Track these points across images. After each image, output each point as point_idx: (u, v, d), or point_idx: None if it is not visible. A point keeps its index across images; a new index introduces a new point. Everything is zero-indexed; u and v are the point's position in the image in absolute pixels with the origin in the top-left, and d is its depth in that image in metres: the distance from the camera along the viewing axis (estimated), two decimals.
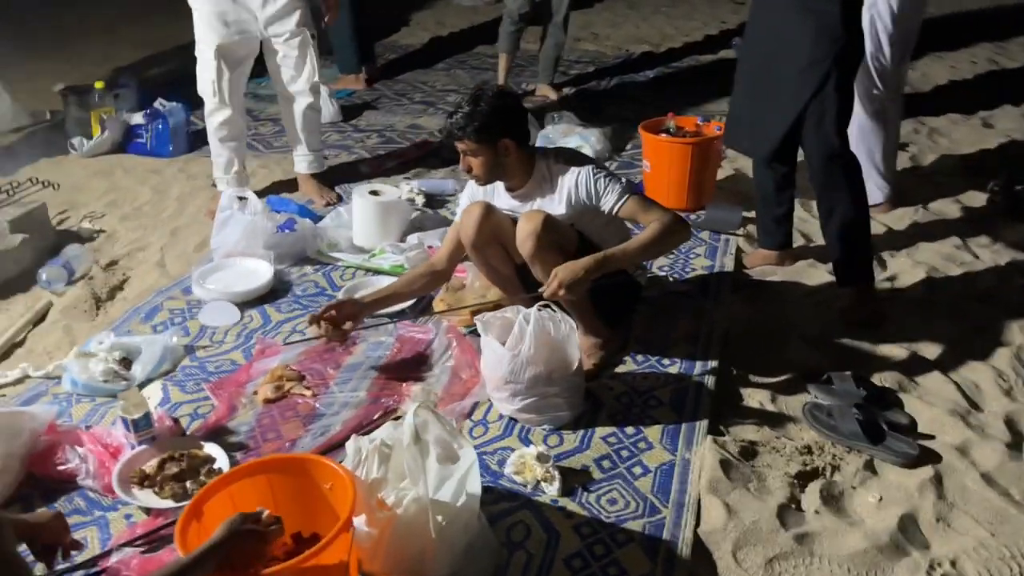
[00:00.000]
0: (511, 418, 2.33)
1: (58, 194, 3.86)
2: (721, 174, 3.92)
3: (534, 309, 2.24)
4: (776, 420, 2.36)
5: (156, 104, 4.49)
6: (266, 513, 1.60)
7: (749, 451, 2.22)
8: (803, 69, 2.61)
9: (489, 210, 2.47)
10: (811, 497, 2.07)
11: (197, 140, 4.43)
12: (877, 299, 2.85)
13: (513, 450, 2.20)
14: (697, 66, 5.89)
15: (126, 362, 2.59)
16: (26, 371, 2.58)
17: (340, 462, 1.81)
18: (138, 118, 4.47)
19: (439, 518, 1.73)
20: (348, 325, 2.47)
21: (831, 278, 2.95)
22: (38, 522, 1.64)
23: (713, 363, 2.57)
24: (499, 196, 2.56)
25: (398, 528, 1.72)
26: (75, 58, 6.08)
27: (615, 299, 2.62)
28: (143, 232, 3.58)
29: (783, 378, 2.53)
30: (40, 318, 2.93)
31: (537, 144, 4.22)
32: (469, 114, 2.34)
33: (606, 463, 2.18)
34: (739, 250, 3.31)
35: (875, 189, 3.40)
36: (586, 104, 5.06)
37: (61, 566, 1.87)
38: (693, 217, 3.58)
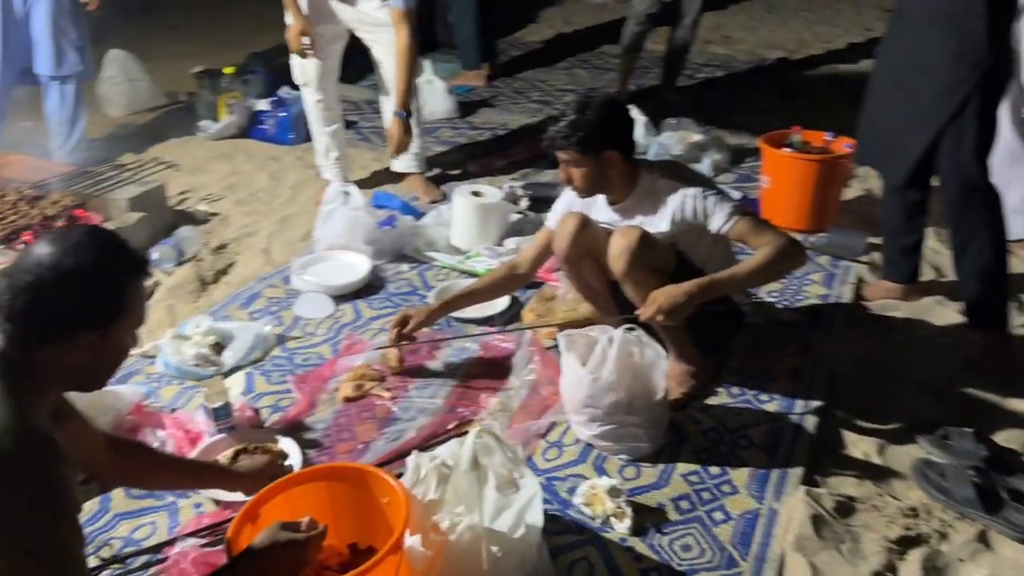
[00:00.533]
0: (588, 443, 2.22)
1: (180, 175, 4.01)
2: (849, 194, 3.65)
3: (619, 331, 2.12)
4: (880, 475, 2.15)
5: (281, 92, 4.60)
6: (306, 521, 1.56)
7: (846, 507, 2.02)
8: (941, 91, 2.36)
9: (585, 223, 2.36)
10: (911, 567, 1.86)
11: None
12: (1011, 348, 2.56)
13: (586, 478, 2.09)
14: (835, 76, 5.54)
15: (218, 347, 2.64)
16: None
17: (401, 475, 1.76)
18: (263, 105, 4.60)
19: (494, 549, 1.65)
20: (420, 332, 2.49)
21: (961, 319, 2.68)
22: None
23: (816, 404, 2.37)
24: (598, 208, 2.44)
25: (450, 555, 1.64)
26: (219, 42, 6.35)
27: (712, 325, 2.45)
28: (255, 218, 3.67)
29: (893, 427, 2.30)
30: (147, 296, 3.03)
31: (652, 150, 4.08)
32: (574, 123, 2.23)
33: (684, 504, 2.04)
34: (860, 280, 3.06)
35: (1019, 223, 3.06)
36: (709, 111, 4.84)
37: (126, 551, 1.91)
38: (813, 239, 3.34)
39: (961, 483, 2.02)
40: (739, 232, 2.25)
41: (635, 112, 4.36)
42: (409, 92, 3.48)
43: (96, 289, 1.33)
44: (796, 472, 2.12)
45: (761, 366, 2.54)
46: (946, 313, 2.81)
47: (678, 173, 2.35)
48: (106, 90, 4.89)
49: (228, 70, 4.72)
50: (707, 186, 2.31)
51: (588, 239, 2.35)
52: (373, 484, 1.75)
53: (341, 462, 2.13)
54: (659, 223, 2.31)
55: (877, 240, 3.12)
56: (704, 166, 3.96)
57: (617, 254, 2.23)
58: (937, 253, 3.13)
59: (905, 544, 1.93)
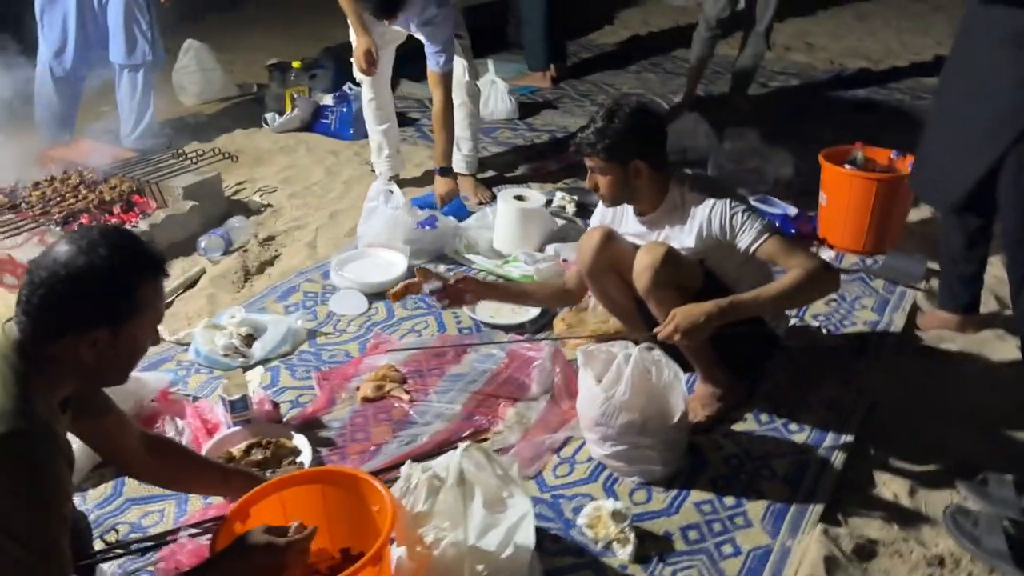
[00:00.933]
0: (601, 463, 2.16)
1: (241, 165, 4.09)
2: (915, 215, 3.47)
3: (637, 349, 2.05)
4: (909, 518, 2.02)
5: (345, 87, 4.65)
6: (294, 526, 1.55)
7: (866, 551, 1.90)
8: (1003, 113, 2.20)
9: (609, 237, 2.30)
10: None
11: None
12: None
13: (594, 499, 2.03)
14: (918, 90, 5.28)
15: (250, 339, 2.67)
16: (162, 334, 2.74)
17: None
18: (328, 99, 4.66)
19: (479, 567, 1.61)
20: (468, 297, 2.42)
21: (1020, 356, 2.50)
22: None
23: (848, 437, 2.25)
24: (627, 220, 2.37)
25: (434, 570, 1.62)
26: (297, 35, 6.47)
27: (744, 346, 2.35)
28: (305, 211, 3.72)
29: (930, 469, 2.16)
30: (191, 283, 3.10)
31: (711, 159, 3.97)
32: (601, 130, 2.17)
33: (693, 534, 1.96)
34: (915, 307, 2.90)
35: None
36: (780, 121, 4.68)
37: (131, 537, 1.95)
38: (869, 262, 3.18)
39: (994, 533, 1.87)
40: (768, 252, 2.15)
41: (697, 119, 4.26)
42: (449, 150, 3.56)
43: (107, 288, 1.34)
44: (816, 509, 2.01)
45: (796, 393, 2.43)
46: (1005, 348, 2.63)
47: (708, 186, 2.26)
48: (180, 79, 5.04)
49: (296, 64, 4.81)
50: (738, 201, 2.21)
51: (612, 254, 2.28)
52: (365, 491, 1.73)
53: (336, 466, 2.12)
54: (686, 238, 2.23)
55: (937, 266, 2.95)
56: (763, 178, 3.83)
57: (641, 271, 2.16)
58: (1003, 283, 2.93)
59: None
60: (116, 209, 3.30)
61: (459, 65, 3.57)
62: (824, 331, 2.75)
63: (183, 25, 5.55)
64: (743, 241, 2.16)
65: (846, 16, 7.10)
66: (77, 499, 1.96)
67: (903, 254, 3.12)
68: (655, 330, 2.10)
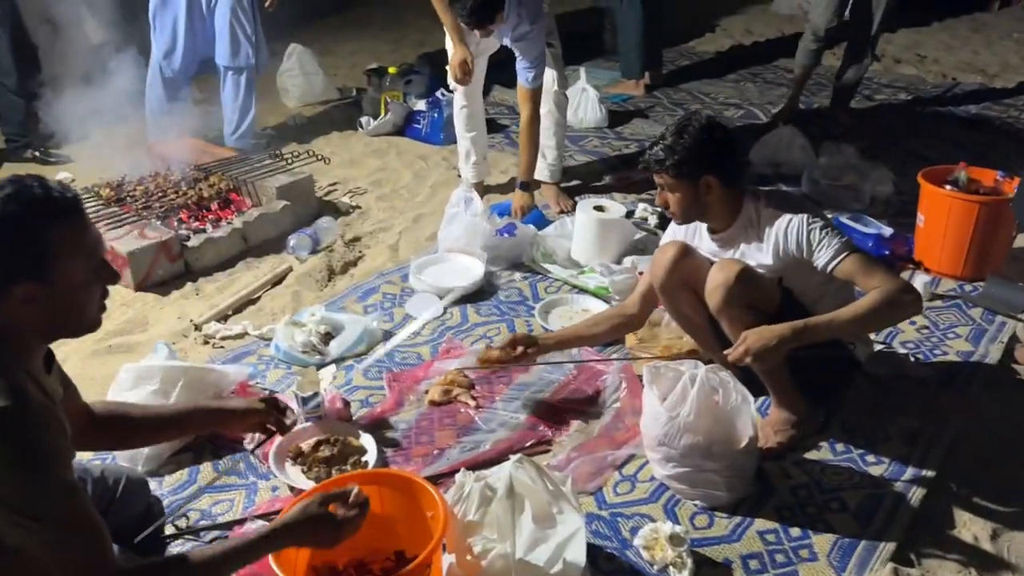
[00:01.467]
0: (662, 483, 2.12)
1: (334, 167, 4.21)
2: (1022, 241, 3.27)
3: (703, 369, 2.00)
4: (988, 563, 1.91)
5: (438, 93, 4.73)
6: (354, 492, 1.56)
7: None
8: None
9: (685, 252, 2.25)
10: None
11: None
12: None
13: (653, 520, 2.00)
14: None
15: (328, 337, 2.75)
16: (246, 328, 2.85)
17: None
18: (421, 105, 4.75)
19: None
20: (530, 352, 2.37)
21: None
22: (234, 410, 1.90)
23: (929, 473, 2.14)
24: (702, 238, 2.33)
25: None
26: (398, 40, 6.62)
27: (823, 371, 2.27)
28: (392, 213, 3.80)
29: (1015, 511, 2.04)
30: (278, 280, 3.21)
31: (806, 175, 3.85)
32: (670, 146, 2.13)
33: (754, 563, 1.90)
34: (1014, 339, 2.73)
35: None
36: (882, 137, 4.50)
37: (200, 524, 2.03)
38: (968, 288, 3.02)
39: None
40: (847, 271, 2.07)
41: (792, 132, 4.14)
42: (532, 164, 3.58)
43: (11, 241, 1.28)
44: (888, 547, 1.92)
45: (875, 423, 2.33)
46: None
47: (785, 202, 2.19)
48: (284, 82, 5.23)
49: (392, 70, 4.92)
50: (816, 217, 2.13)
51: (686, 269, 2.24)
52: (420, 496, 1.75)
53: (394, 469, 2.15)
54: (762, 256, 2.17)
55: None
56: (860, 196, 3.68)
57: (713, 288, 2.11)
58: None
59: None
60: (214, 206, 3.45)
61: (548, 74, 3.57)
62: (912, 359, 2.62)
63: (289, 29, 5.77)
64: (821, 259, 2.09)
65: (961, 28, 6.77)
66: (153, 484, 2.05)
67: (1005, 282, 2.95)
68: (725, 351, 2.05)
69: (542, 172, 3.76)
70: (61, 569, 1.29)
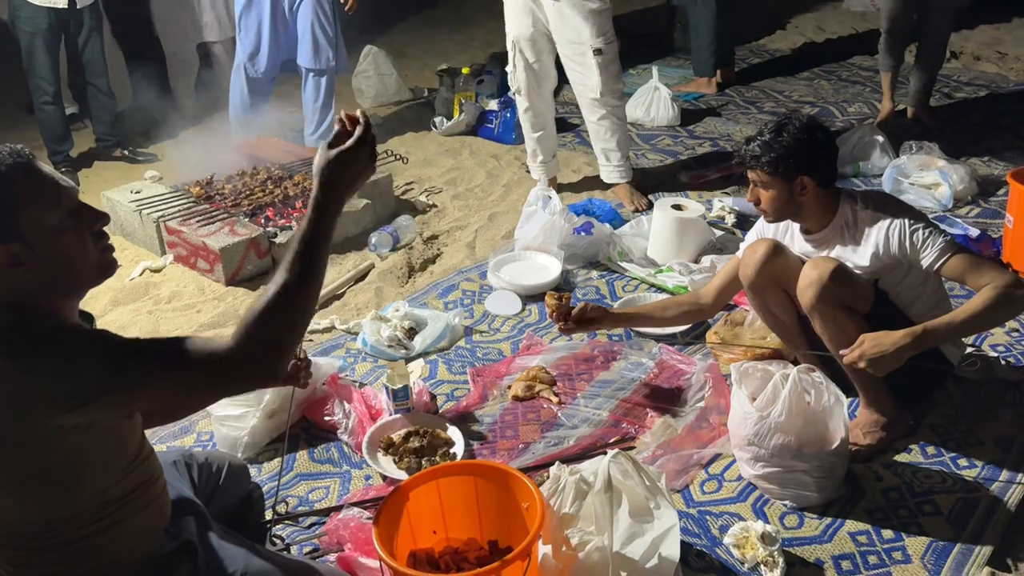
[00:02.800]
0: (750, 483, 2.12)
1: (410, 167, 4.29)
2: None
3: (794, 370, 2.00)
4: None
5: (510, 93, 4.76)
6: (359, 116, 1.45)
7: None
8: None
9: (777, 249, 2.24)
10: None
11: None
12: None
13: (742, 519, 2.00)
14: None
15: (412, 332, 2.81)
16: (333, 323, 2.93)
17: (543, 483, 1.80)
18: (493, 104, 4.80)
19: (622, 574, 1.64)
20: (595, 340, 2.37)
21: None
22: None
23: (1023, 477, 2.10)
24: (794, 238, 2.32)
25: (578, 573, 1.65)
26: (469, 41, 6.69)
27: (914, 374, 2.23)
28: (467, 212, 3.85)
29: None
30: (361, 276, 3.30)
31: (887, 175, 3.78)
32: (768, 143, 2.13)
33: (846, 564, 1.89)
34: None
35: None
36: (964, 136, 4.39)
37: (299, 510, 2.10)
38: None
39: None
40: (955, 270, 2.04)
41: (872, 130, 4.08)
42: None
43: None
44: (984, 551, 1.89)
45: (967, 427, 2.29)
46: None
47: (884, 203, 2.17)
48: (359, 83, 5.33)
49: (465, 70, 4.98)
50: (917, 219, 2.11)
51: (778, 267, 2.23)
52: (515, 487, 1.79)
53: (489, 460, 2.20)
54: (859, 258, 2.15)
55: None
56: (944, 196, 3.61)
57: (806, 286, 2.10)
58: None
59: None
60: (299, 204, 3.55)
61: (594, 79, 3.53)
62: (1003, 362, 2.57)
63: (364, 31, 5.89)
64: (927, 259, 2.06)
65: None
66: (253, 471, 2.14)
67: None
68: (841, 352, 2.03)
69: (611, 175, 3.77)
70: (198, 385, 1.35)
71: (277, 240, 3.30)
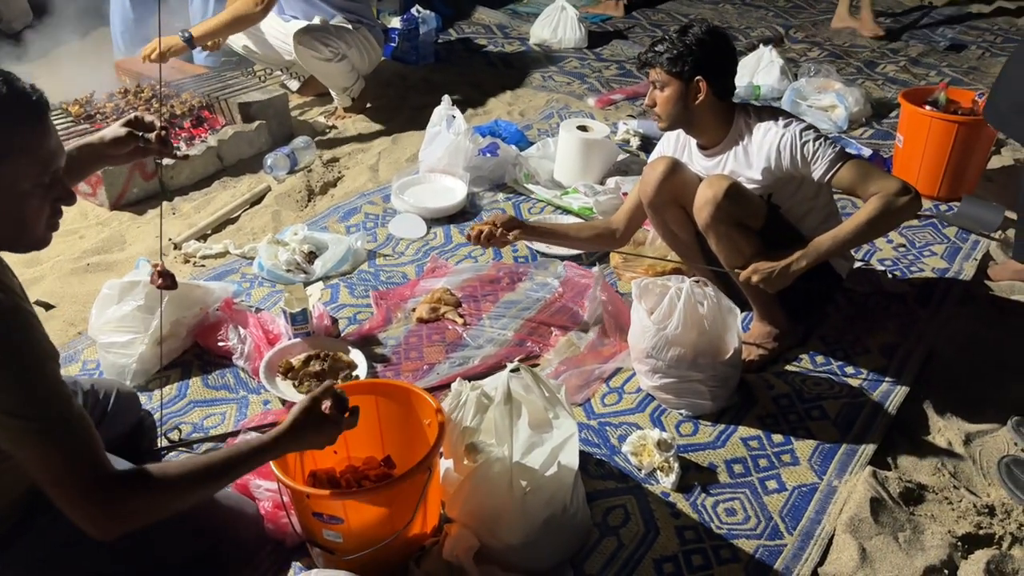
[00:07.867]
0: (649, 394, 2.17)
1: (306, 85, 4.11)
2: (997, 162, 3.32)
3: (688, 283, 2.03)
4: (960, 467, 1.99)
5: (413, 10, 4.61)
6: (337, 387, 1.53)
7: (913, 495, 1.89)
8: None
9: (675, 167, 2.25)
10: (973, 567, 1.73)
11: (444, 51, 4.51)
12: None
13: (640, 428, 2.05)
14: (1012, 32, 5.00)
15: (311, 256, 2.73)
16: (227, 247, 2.81)
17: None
18: (395, 22, 4.63)
19: (522, 483, 1.65)
20: (513, 235, 2.31)
21: None
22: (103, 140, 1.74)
23: (905, 384, 2.21)
24: (692, 156, 2.33)
25: (478, 483, 1.66)
26: None
27: (805, 287, 2.30)
28: (370, 135, 3.73)
29: (987, 419, 2.12)
30: (257, 200, 3.16)
31: (786, 96, 3.85)
32: (671, 41, 2.13)
33: (738, 467, 1.97)
34: (987, 257, 2.80)
35: None
36: (861, 60, 4.50)
37: (193, 436, 2.04)
38: (944, 208, 3.08)
39: None
40: (845, 180, 2.08)
41: (772, 54, 4.12)
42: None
43: None
44: (866, 450, 2.00)
45: (854, 337, 2.39)
46: None
47: (775, 116, 2.18)
48: None
49: None
50: (808, 128, 2.13)
51: (676, 186, 2.24)
52: (417, 404, 1.78)
53: (392, 379, 2.17)
54: (753, 172, 2.18)
55: (1015, 215, 2.83)
56: (839, 118, 3.70)
57: (702, 205, 2.12)
58: None
59: (972, 543, 1.79)
60: (187, 123, 3.37)
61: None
62: (889, 276, 2.68)
63: None
64: (818, 170, 2.09)
65: None
66: (143, 398, 2.06)
67: (980, 202, 3.01)
68: (735, 268, 2.07)
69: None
70: (50, 469, 1.22)
71: (163, 162, 3.12)
